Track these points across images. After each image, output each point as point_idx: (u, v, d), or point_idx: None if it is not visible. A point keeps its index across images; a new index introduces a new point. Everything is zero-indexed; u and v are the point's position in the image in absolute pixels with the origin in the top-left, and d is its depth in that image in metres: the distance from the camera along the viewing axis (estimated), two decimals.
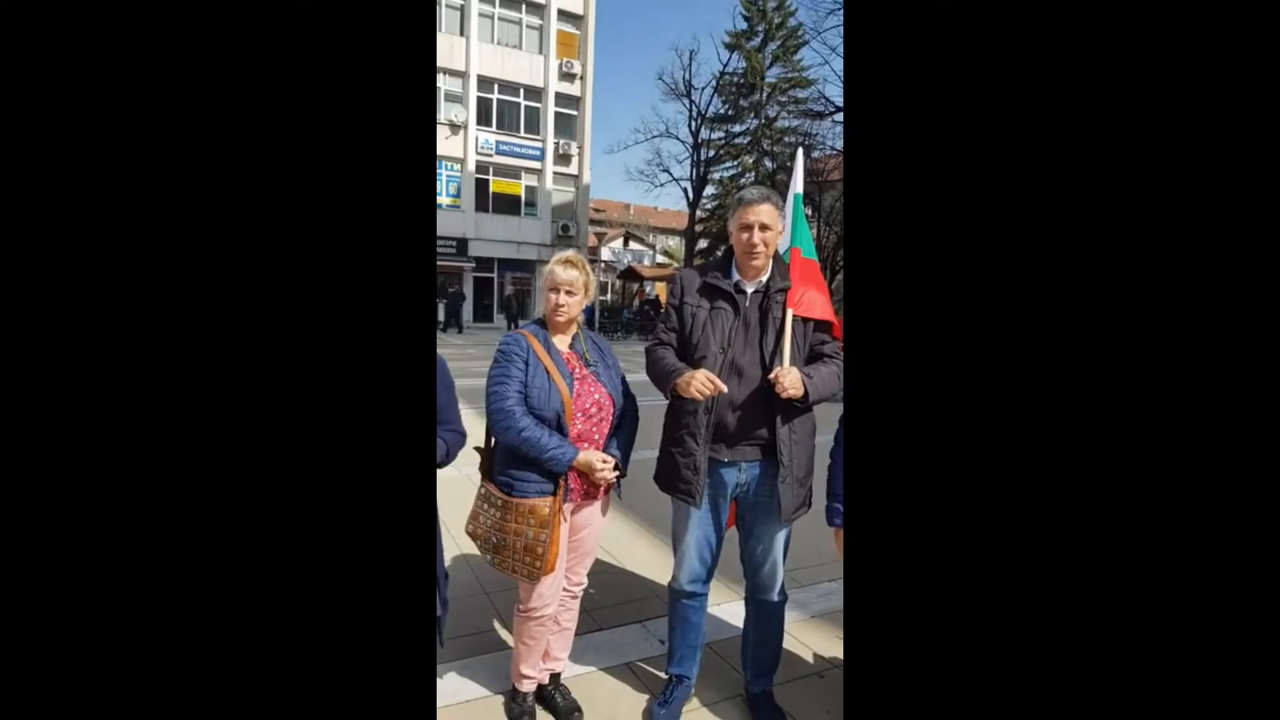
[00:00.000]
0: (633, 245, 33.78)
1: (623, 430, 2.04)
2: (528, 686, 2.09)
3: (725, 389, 1.82)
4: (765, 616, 2.12)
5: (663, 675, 2.24)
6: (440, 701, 2.11)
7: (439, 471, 1.67)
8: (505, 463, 1.94)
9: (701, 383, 1.79)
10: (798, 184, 2.31)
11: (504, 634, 2.58)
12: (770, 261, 1.98)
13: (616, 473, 1.95)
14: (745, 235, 1.91)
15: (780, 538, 2.02)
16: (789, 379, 1.79)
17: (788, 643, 2.28)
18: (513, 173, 22.60)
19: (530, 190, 22.95)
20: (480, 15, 21.20)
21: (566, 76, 22.51)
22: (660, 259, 34.95)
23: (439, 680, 2.22)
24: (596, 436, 1.96)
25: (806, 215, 2.19)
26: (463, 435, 1.86)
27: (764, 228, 1.90)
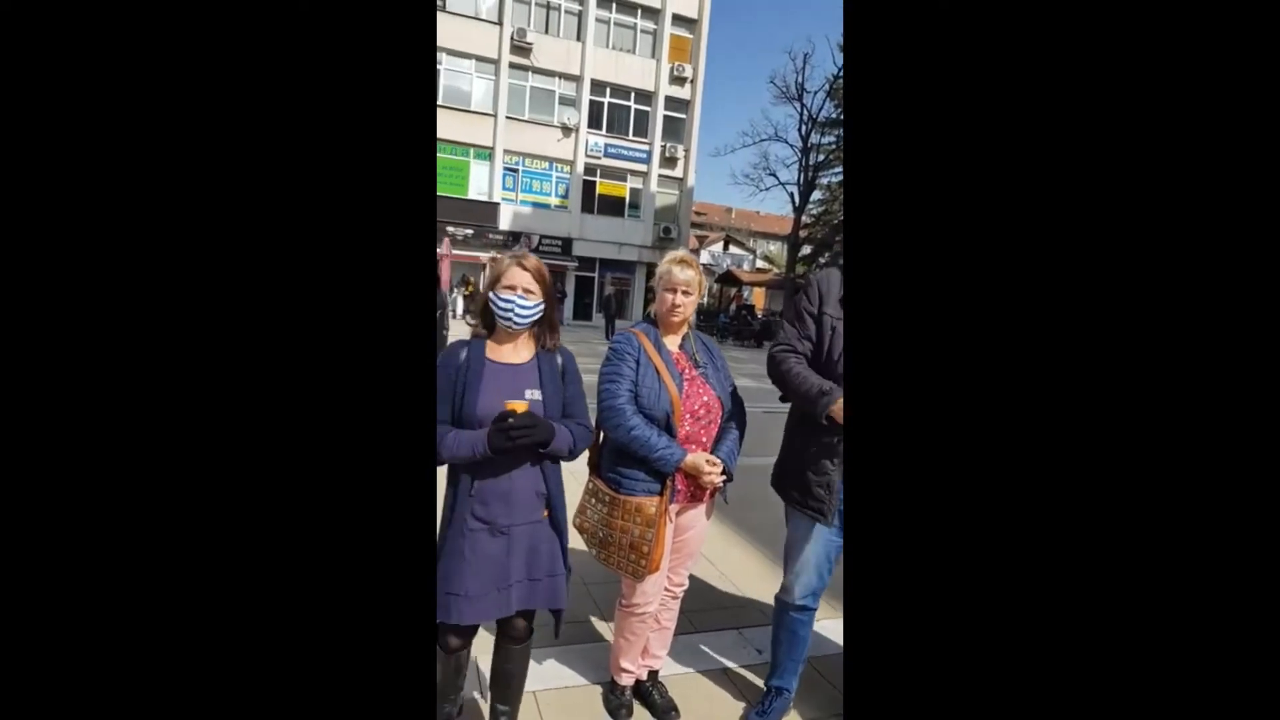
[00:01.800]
0: (732, 249, 33.55)
1: (730, 434, 2.02)
2: (627, 680, 2.12)
3: None
4: None
5: (757, 683, 2.21)
6: (540, 685, 2.19)
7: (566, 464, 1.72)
8: (614, 460, 1.97)
9: None
10: None
11: (601, 626, 2.63)
12: None
13: (724, 477, 1.93)
14: None
15: None
16: None
17: None
18: (619, 175, 22.96)
19: (635, 192, 23.23)
20: (597, 20, 21.71)
21: (677, 80, 22.63)
22: (760, 264, 34.52)
23: (539, 665, 2.30)
24: (704, 439, 1.95)
25: None
26: (589, 430, 1.86)
27: None
